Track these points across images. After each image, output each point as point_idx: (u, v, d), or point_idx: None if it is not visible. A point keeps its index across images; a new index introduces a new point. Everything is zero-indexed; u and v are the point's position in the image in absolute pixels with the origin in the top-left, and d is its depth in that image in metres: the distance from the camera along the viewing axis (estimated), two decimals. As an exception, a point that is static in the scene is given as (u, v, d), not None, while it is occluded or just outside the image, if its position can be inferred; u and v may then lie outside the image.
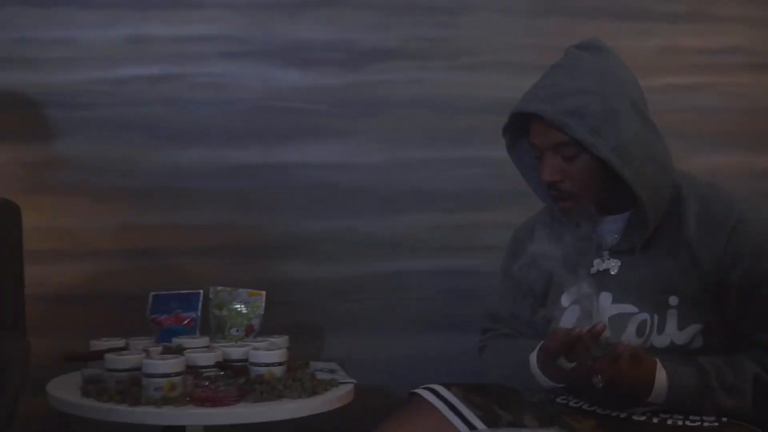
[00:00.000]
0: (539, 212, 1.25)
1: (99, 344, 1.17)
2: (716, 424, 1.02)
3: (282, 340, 1.21)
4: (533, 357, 1.06)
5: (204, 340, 1.16)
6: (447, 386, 1.07)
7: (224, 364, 1.05)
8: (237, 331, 1.23)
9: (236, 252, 1.59)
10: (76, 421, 1.18)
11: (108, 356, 1.05)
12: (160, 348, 1.11)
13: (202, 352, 1.07)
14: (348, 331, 1.56)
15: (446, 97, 1.66)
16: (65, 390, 1.12)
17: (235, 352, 1.10)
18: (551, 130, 1.05)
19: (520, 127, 1.12)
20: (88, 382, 1.09)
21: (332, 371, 1.21)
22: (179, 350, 1.08)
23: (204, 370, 1.02)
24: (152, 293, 1.29)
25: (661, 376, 1.00)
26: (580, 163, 1.05)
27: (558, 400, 1.13)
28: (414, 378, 1.16)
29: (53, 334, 1.45)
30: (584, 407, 1.11)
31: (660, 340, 1.06)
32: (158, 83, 1.61)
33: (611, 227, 1.12)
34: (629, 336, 1.07)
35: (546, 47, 1.64)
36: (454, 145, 1.65)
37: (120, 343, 1.18)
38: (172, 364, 0.99)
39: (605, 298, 1.10)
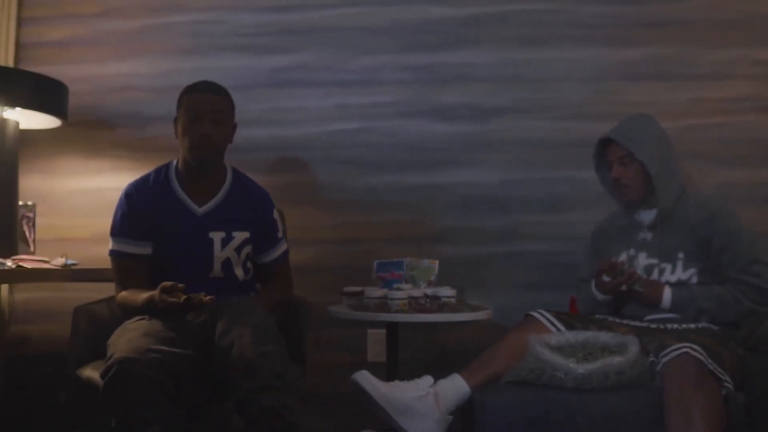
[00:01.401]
0: (605, 218, 2.26)
1: (350, 289, 2.24)
2: (693, 327, 2.01)
3: (450, 288, 2.24)
4: (592, 283, 2.10)
5: (409, 286, 2.21)
6: (547, 310, 2.10)
7: (428, 295, 2.09)
8: (423, 282, 2.27)
9: (408, 239, 2.62)
10: (343, 329, 2.26)
11: (367, 290, 2.13)
12: (386, 290, 2.17)
13: (414, 290, 2.12)
14: (482, 289, 2.55)
15: (541, 138, 2.62)
16: (340, 309, 2.21)
17: (429, 291, 2.15)
18: (618, 147, 2.10)
19: (602, 153, 2.17)
20: (353, 306, 2.17)
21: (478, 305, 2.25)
22: (400, 290, 2.14)
23: (417, 297, 2.07)
24: (376, 261, 2.33)
25: (667, 291, 2.00)
26: (633, 167, 2.09)
27: (609, 318, 2.13)
28: (520, 314, 2.16)
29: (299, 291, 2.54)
30: (624, 322, 2.10)
31: (672, 278, 2.04)
32: (357, 134, 2.67)
33: (648, 216, 2.12)
34: (654, 276, 2.07)
35: (608, 102, 2.64)
36: (547, 169, 2.61)
37: (361, 288, 2.25)
38: (403, 293, 2.05)
39: (642, 256, 2.11)
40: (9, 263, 1.90)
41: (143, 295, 1.88)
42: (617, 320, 2.12)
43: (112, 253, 2.02)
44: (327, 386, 2.46)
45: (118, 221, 2.03)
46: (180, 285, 1.79)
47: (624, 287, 2.01)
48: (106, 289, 2.24)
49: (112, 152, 2.74)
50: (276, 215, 2.15)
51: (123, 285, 2.00)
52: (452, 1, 2.68)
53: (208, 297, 1.77)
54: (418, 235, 2.63)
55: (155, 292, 1.82)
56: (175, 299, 1.77)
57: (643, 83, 2.62)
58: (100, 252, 2.62)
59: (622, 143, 2.09)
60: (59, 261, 2.11)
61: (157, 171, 2.09)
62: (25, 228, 2.43)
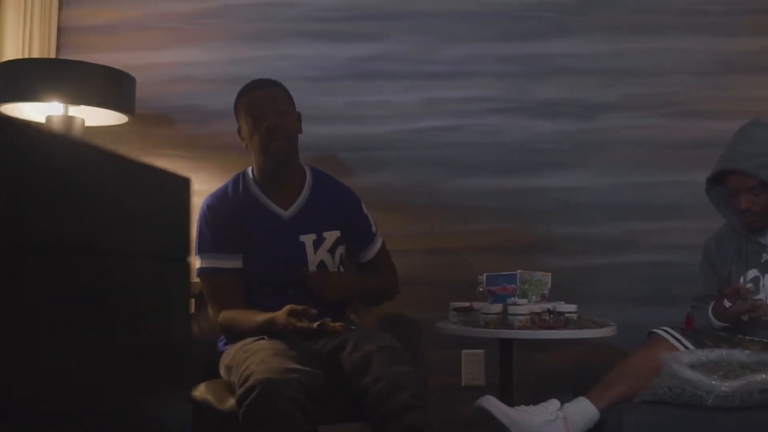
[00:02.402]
0: (721, 228, 2.65)
1: (458, 304, 2.64)
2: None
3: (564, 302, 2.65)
4: (709, 308, 2.47)
5: (525, 300, 2.61)
6: (672, 327, 2.51)
7: (550, 310, 2.51)
8: (535, 297, 2.68)
9: (505, 248, 3.04)
10: (433, 349, 2.67)
11: (478, 305, 2.53)
12: (500, 305, 2.58)
13: (533, 306, 2.53)
14: (589, 303, 2.91)
15: (653, 137, 3.04)
16: (446, 324, 2.61)
17: (548, 306, 2.56)
18: (746, 177, 2.43)
19: (717, 177, 2.54)
20: (462, 321, 2.58)
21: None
22: (517, 305, 2.55)
23: (540, 313, 2.48)
24: (485, 274, 2.71)
25: None
26: (765, 196, 2.45)
27: (739, 336, 2.54)
28: (635, 332, 2.58)
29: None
30: (755, 339, 2.51)
31: (801, 301, 2.47)
32: (448, 132, 3.09)
33: None
34: None
35: (727, 98, 3.05)
36: (659, 172, 3.03)
37: (468, 303, 2.65)
38: (527, 309, 2.45)
39: (768, 278, 2.52)
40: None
41: (258, 317, 2.25)
42: (746, 337, 2.53)
43: (203, 271, 2.38)
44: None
45: (205, 236, 2.39)
46: (312, 310, 2.16)
47: (746, 317, 2.42)
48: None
49: (170, 151, 3.12)
50: (365, 210, 2.54)
51: (221, 304, 2.36)
52: (553, -16, 3.10)
53: (339, 324, 2.15)
54: (517, 245, 3.05)
55: (279, 314, 2.18)
56: (305, 324, 2.14)
57: (761, 77, 3.06)
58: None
59: (754, 173, 2.42)
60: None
61: (234, 181, 2.48)
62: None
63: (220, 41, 3.16)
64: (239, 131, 2.46)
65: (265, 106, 2.36)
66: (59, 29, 3.16)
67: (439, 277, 3.01)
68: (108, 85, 2.70)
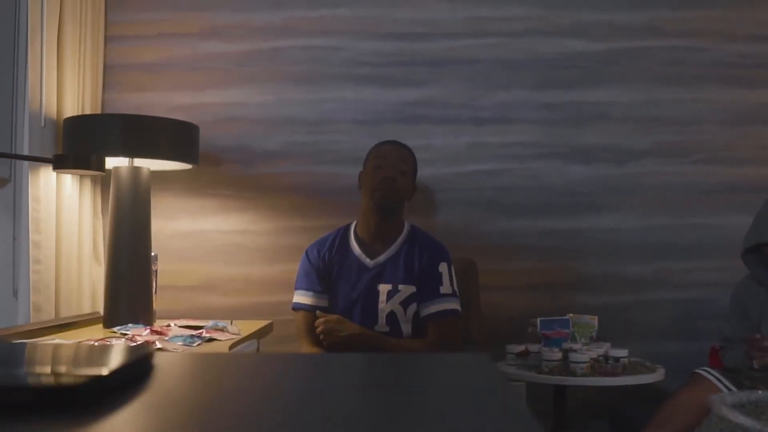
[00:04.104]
0: (746, 278, 2.90)
1: (513, 347, 2.85)
2: None
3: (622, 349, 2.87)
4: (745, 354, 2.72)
5: (579, 345, 2.83)
6: (712, 368, 2.77)
7: (607, 356, 2.73)
8: (584, 339, 2.90)
9: (543, 287, 3.25)
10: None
11: (543, 351, 2.74)
12: (556, 350, 2.79)
13: (590, 351, 2.75)
14: (620, 339, 3.15)
15: (683, 182, 3.26)
16: (504, 368, 2.82)
17: (600, 350, 2.79)
18: None
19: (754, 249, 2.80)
20: (521, 365, 2.78)
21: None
22: (574, 350, 2.76)
23: (600, 357, 2.70)
24: (539, 318, 2.92)
25: None
26: None
27: (773, 376, 2.82)
28: (666, 365, 2.83)
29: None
30: (789, 379, 2.79)
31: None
32: (491, 175, 3.27)
33: None
34: None
35: (747, 146, 3.30)
36: (689, 215, 3.25)
37: (522, 347, 2.86)
38: (587, 356, 2.67)
39: (799, 324, 2.79)
40: (198, 340, 2.41)
41: None
42: (779, 376, 2.81)
43: (294, 306, 2.70)
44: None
45: (301, 276, 2.72)
46: None
47: (755, 365, 2.68)
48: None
49: (217, 191, 3.24)
50: (443, 269, 2.66)
51: (302, 337, 2.66)
52: (590, 35, 3.29)
53: None
54: (554, 283, 3.25)
55: None
56: None
57: (784, 127, 3.32)
58: (208, 302, 3.15)
59: None
60: (233, 329, 2.59)
61: (337, 231, 2.78)
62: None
63: (268, 83, 3.27)
64: (360, 175, 2.75)
65: (391, 159, 2.66)
66: (105, 66, 3.23)
67: (483, 313, 3.20)
68: (175, 139, 2.75)
